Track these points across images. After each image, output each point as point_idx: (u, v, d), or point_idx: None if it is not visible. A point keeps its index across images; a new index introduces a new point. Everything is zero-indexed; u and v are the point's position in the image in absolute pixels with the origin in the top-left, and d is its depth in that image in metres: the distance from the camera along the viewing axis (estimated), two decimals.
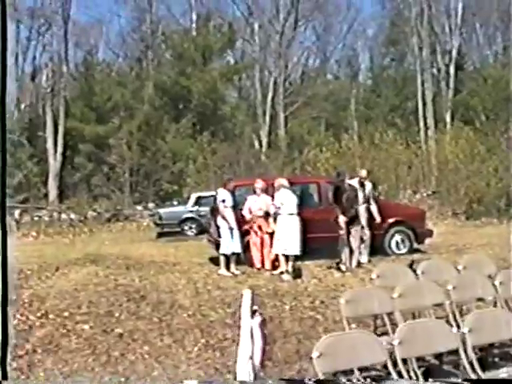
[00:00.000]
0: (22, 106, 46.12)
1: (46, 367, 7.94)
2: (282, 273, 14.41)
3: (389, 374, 5.65)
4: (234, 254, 15.21)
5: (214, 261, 17.01)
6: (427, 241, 18.24)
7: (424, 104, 44.01)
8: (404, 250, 17.32)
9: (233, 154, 37.48)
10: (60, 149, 40.65)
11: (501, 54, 50.31)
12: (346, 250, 15.01)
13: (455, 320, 7.26)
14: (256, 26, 47.42)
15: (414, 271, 14.48)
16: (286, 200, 14.83)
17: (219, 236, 15.63)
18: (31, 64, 44.03)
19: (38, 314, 10.69)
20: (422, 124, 43.36)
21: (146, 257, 19.04)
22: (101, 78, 44.79)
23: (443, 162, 31.15)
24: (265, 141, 43.61)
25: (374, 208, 15.91)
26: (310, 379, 5.64)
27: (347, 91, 49.88)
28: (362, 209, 15.58)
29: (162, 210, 28.94)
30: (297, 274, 14.33)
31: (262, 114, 45.20)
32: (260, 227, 15.28)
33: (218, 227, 15.42)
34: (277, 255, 15.04)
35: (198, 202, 27.74)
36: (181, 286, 13.37)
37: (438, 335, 5.52)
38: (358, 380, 5.13)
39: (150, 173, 38.35)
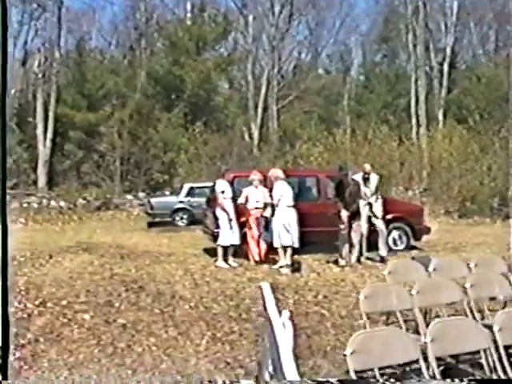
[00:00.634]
0: (12, 92, 45.63)
1: (51, 357, 7.70)
2: (280, 266, 14.26)
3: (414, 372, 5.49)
4: (232, 245, 15.06)
5: (209, 252, 16.95)
6: (423, 238, 18.17)
7: (417, 101, 43.88)
8: (401, 247, 17.29)
9: (225, 145, 37.26)
10: (50, 135, 40.15)
11: (493, 53, 50.20)
12: (347, 245, 14.87)
13: (474, 318, 7.13)
14: (250, 18, 47.07)
15: None
16: (284, 192, 14.68)
17: (217, 227, 15.48)
18: (22, 49, 43.42)
19: (36, 302, 10.49)
20: (414, 121, 43.20)
21: (139, 246, 18.94)
22: (93, 65, 44.32)
23: (437, 160, 31.05)
24: (257, 133, 43.35)
25: (379, 202, 15.70)
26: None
27: (339, 86, 49.71)
28: (372, 202, 15.43)
29: (153, 200, 28.74)
30: (295, 267, 14.18)
31: (254, 106, 44.91)
32: (257, 219, 15.10)
33: (216, 218, 15.23)
34: (271, 248, 14.94)
35: (190, 192, 27.58)
36: (178, 277, 13.24)
37: (469, 334, 5.36)
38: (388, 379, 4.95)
39: (141, 162, 37.97)
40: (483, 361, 5.46)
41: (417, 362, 5.20)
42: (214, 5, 46.92)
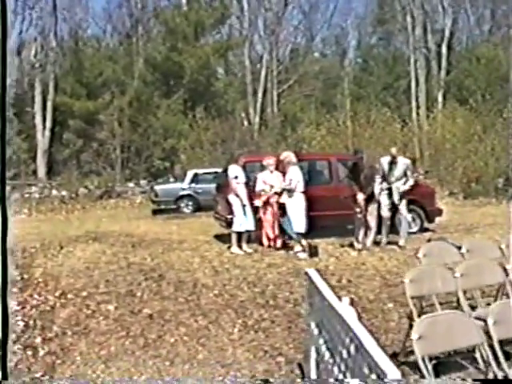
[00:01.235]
0: (8, 81, 45.17)
1: (82, 350, 7.50)
2: (297, 252, 14.10)
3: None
4: (246, 231, 14.87)
5: (221, 238, 16.84)
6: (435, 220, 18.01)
7: (416, 83, 43.66)
8: (415, 229, 17.07)
9: (226, 130, 36.99)
10: (49, 124, 39.89)
11: (489, 34, 49.91)
12: (362, 229, 14.69)
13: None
14: (245, 2, 46.69)
15: None
16: (299, 177, 14.50)
17: (230, 213, 15.29)
18: (17, 38, 42.96)
19: (57, 294, 10.31)
20: (414, 103, 42.98)
21: (149, 234, 18.76)
22: (91, 52, 43.93)
23: (440, 141, 30.87)
24: (257, 118, 43.09)
25: (406, 186, 15.30)
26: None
27: (337, 69, 49.46)
28: (397, 186, 15.09)
29: (157, 187, 28.51)
30: (312, 252, 14.00)
31: (253, 91, 44.61)
32: (273, 205, 14.90)
33: (229, 204, 15.01)
34: (285, 234, 14.79)
35: (194, 179, 27.37)
36: (196, 264, 13.07)
37: (461, 328, 5.14)
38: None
39: (141, 149, 37.70)
40: (477, 356, 5.28)
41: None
42: None
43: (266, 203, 14.89)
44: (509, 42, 45.36)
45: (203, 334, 8.07)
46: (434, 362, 5.13)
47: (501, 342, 5.12)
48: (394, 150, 15.75)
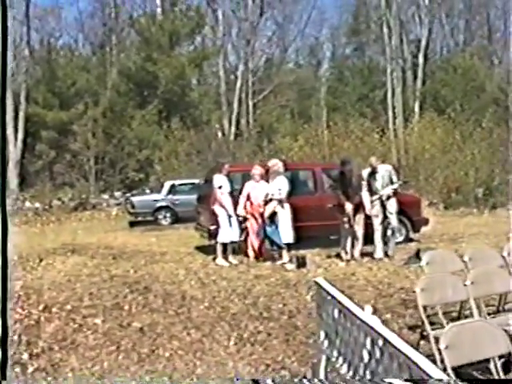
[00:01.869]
0: None
1: (73, 366, 7.08)
2: (284, 263, 13.81)
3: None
4: (231, 242, 14.54)
5: (202, 250, 16.58)
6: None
7: (393, 93, 43.64)
8: (400, 239, 16.77)
9: (201, 141, 36.68)
10: (21, 135, 39.27)
11: (463, 45, 50.15)
12: (349, 239, 14.40)
13: None
14: (220, 13, 46.47)
15: (420, 259, 14.01)
16: (285, 187, 14.28)
17: (213, 224, 14.98)
18: None
19: (40, 308, 9.87)
20: (390, 113, 42.92)
21: (128, 246, 18.46)
22: (64, 62, 43.31)
23: (419, 151, 30.75)
24: (233, 129, 42.80)
25: (392, 197, 14.99)
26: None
27: (312, 80, 49.32)
28: (384, 196, 14.78)
29: (134, 199, 28.08)
30: (300, 262, 13.67)
31: (226, 101, 44.33)
32: (259, 215, 14.58)
33: (214, 215, 14.67)
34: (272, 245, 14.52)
35: (171, 190, 27.03)
36: (181, 276, 12.70)
37: (487, 338, 4.88)
38: None
39: (116, 160, 37.19)
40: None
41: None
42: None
43: (252, 213, 14.61)
44: (484, 52, 45.78)
45: (198, 347, 7.68)
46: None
47: None
48: (373, 160, 15.47)
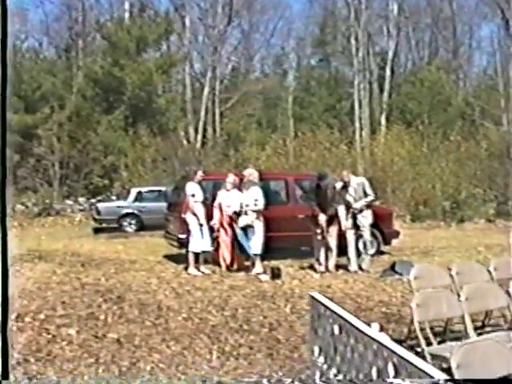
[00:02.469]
0: None
1: (51, 380, 6.80)
2: (257, 273, 13.64)
3: None
4: (203, 252, 14.32)
5: (171, 259, 16.40)
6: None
7: (360, 105, 43.76)
8: (372, 251, 16.63)
9: (167, 148, 36.39)
10: None
11: (428, 58, 50.46)
12: (323, 250, 14.27)
13: None
14: (187, 20, 46.23)
15: (396, 273, 13.96)
16: (260, 198, 14.12)
17: (184, 233, 14.82)
18: None
19: (12, 317, 9.51)
20: (357, 125, 42.99)
21: (96, 254, 18.16)
22: (29, 65, 42.58)
23: (387, 164, 30.76)
24: (200, 136, 42.53)
25: (366, 210, 14.85)
26: None
27: (278, 89, 49.21)
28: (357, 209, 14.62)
29: (100, 205, 27.78)
30: (274, 274, 13.49)
31: (193, 109, 44.07)
32: (231, 225, 14.41)
33: (185, 223, 14.44)
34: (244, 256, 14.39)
35: (138, 197, 26.76)
36: (154, 286, 12.49)
37: (497, 357, 4.78)
38: None
39: (80, 166, 36.53)
40: None
41: None
42: (152, 5, 45.98)
43: (224, 223, 14.44)
44: (449, 67, 46.17)
45: (180, 360, 7.45)
46: None
47: None
48: (345, 173, 15.36)
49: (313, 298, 5.58)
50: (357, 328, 4.46)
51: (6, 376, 3.70)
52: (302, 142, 34.59)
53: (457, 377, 4.23)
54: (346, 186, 14.54)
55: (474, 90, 46.73)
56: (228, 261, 14.47)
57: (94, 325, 9.18)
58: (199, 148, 40.32)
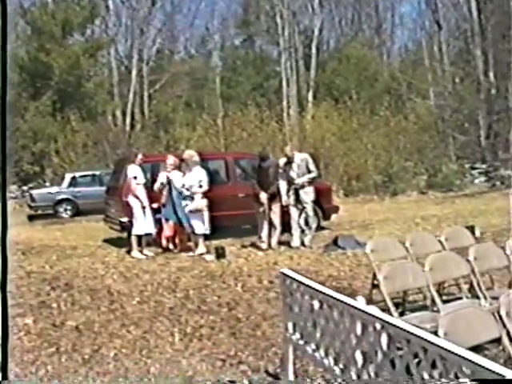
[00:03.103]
0: None
1: (15, 372, 6.62)
2: (201, 253, 13.65)
3: None
4: (146, 234, 14.26)
5: (111, 243, 16.40)
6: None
7: (287, 83, 43.90)
8: (313, 226, 16.81)
9: (96, 132, 36.00)
10: None
11: (355, 34, 50.85)
12: (266, 228, 14.37)
13: (481, 291, 6.92)
14: (111, 2, 45.57)
15: (339, 247, 14.15)
16: (203, 178, 14.10)
17: (126, 216, 14.74)
18: None
19: None
20: (285, 103, 43.13)
21: (34, 241, 17.92)
22: None
23: (319, 140, 30.96)
24: (129, 119, 42.07)
25: (309, 186, 14.86)
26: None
27: (204, 70, 49.01)
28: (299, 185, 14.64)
29: (34, 192, 27.46)
30: (219, 253, 13.50)
31: (121, 92, 43.60)
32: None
33: (129, 206, 14.33)
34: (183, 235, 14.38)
35: (72, 182, 26.43)
36: (101, 271, 12.45)
37: (480, 323, 4.93)
38: None
39: (10, 153, 35.78)
40: None
41: None
42: None
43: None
44: (372, 43, 46.71)
45: (143, 345, 7.42)
46: None
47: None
48: (287, 149, 15.41)
49: (284, 274, 5.63)
50: (343, 302, 4.51)
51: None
52: (232, 121, 34.58)
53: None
54: (290, 162, 14.57)
55: (399, 65, 47.36)
56: (170, 242, 14.48)
57: (50, 313, 9.09)
58: (129, 131, 39.94)
